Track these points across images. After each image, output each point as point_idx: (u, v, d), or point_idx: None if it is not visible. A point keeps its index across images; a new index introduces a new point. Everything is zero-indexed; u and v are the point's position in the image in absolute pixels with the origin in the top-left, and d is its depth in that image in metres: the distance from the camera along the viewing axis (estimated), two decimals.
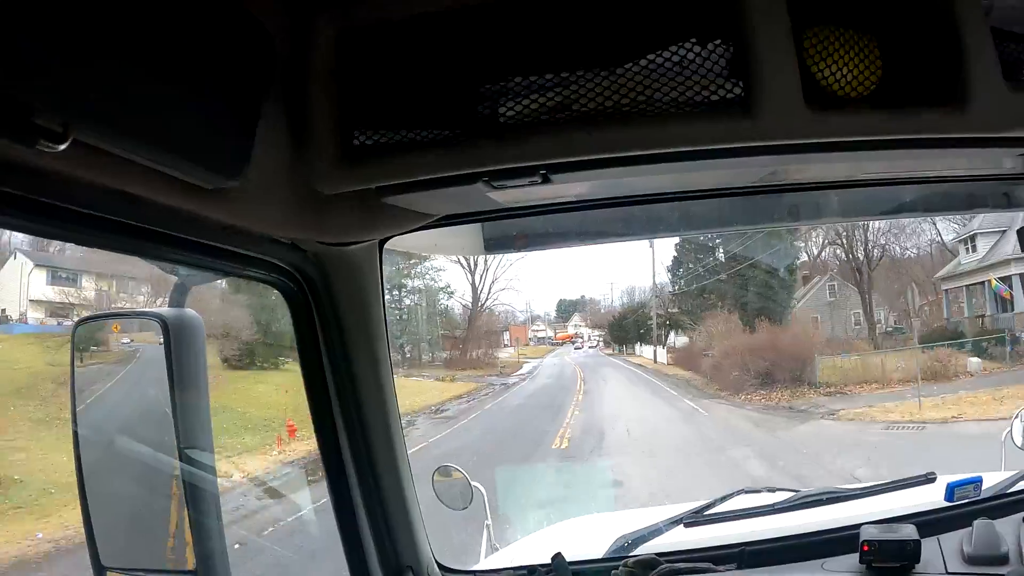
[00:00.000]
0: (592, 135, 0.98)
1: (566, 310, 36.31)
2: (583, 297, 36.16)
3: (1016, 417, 2.71)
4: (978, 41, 0.97)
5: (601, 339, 34.16)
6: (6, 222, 0.85)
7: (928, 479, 1.89)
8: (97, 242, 1.00)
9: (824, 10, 1.00)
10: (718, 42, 0.98)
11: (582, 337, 35.27)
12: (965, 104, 0.97)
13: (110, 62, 0.73)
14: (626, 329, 29.24)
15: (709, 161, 1.05)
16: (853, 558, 1.59)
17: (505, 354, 28.67)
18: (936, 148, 1.10)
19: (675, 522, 1.73)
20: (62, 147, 0.69)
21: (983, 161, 1.44)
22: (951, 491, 1.80)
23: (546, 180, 1.06)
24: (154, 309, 1.48)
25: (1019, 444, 2.62)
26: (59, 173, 0.77)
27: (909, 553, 1.56)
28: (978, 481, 1.83)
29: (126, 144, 0.78)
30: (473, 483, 2.01)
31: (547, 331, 36.16)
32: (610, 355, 29.01)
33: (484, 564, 2.09)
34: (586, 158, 1.01)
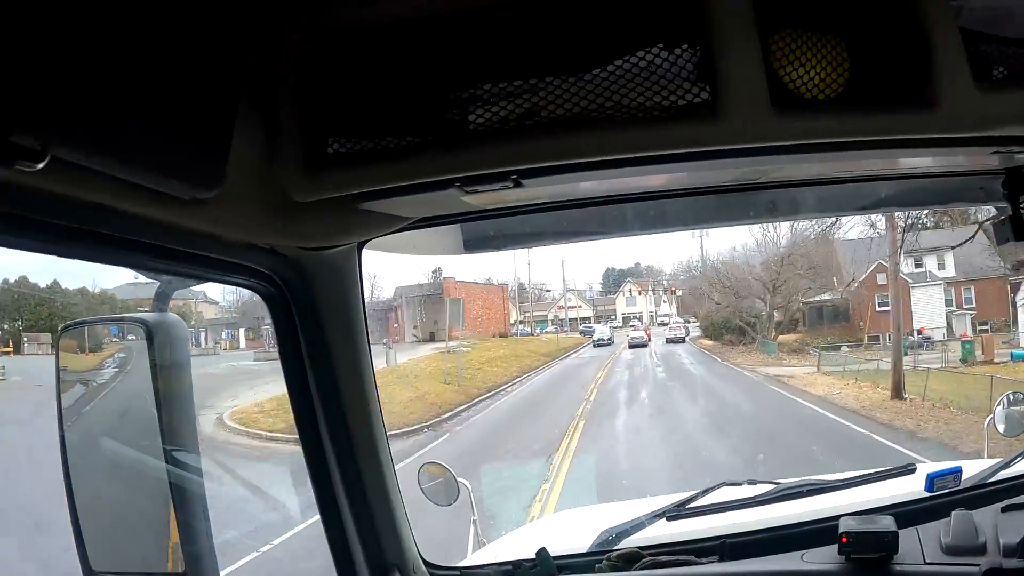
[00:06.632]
0: (561, 141, 0.99)
1: (615, 282, 25.91)
2: (637, 265, 25.75)
3: (998, 404, 2.74)
4: (948, 42, 0.97)
5: (684, 320, 19.66)
6: None
7: (909, 470, 1.92)
8: (79, 254, 1.01)
9: (791, 13, 1.00)
10: (685, 47, 0.99)
11: (638, 318, 22.98)
12: (935, 105, 0.98)
13: (84, 80, 0.74)
14: None
15: (678, 164, 1.07)
16: (832, 549, 1.61)
17: None
18: (905, 148, 1.11)
19: (658, 516, 1.76)
20: (40, 166, 0.70)
21: (958, 158, 1.46)
22: (931, 481, 1.82)
23: (518, 184, 1.08)
24: (137, 314, 1.50)
25: (1001, 431, 2.65)
26: (39, 189, 0.79)
27: (887, 544, 1.59)
28: (958, 471, 1.85)
29: (104, 160, 0.79)
30: (459, 479, 2.03)
31: (584, 309, 24.58)
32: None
33: (470, 560, 2.12)
34: (555, 163, 1.02)
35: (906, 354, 17.30)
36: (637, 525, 1.76)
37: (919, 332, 20.43)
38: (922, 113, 0.99)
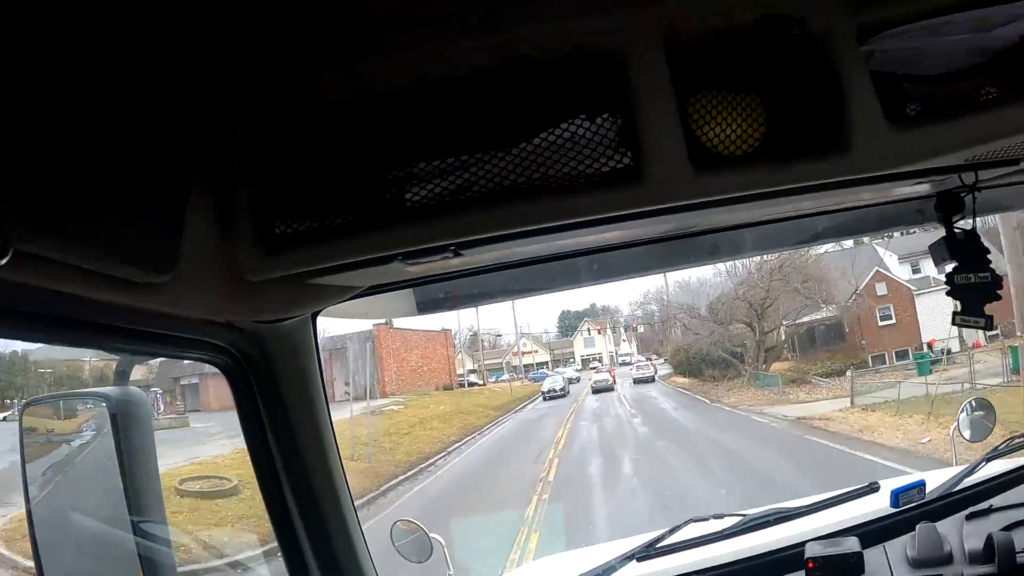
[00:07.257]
0: (494, 213, 1.04)
1: (571, 324, 25.17)
2: (593, 306, 24.85)
3: (962, 411, 2.79)
4: (859, 87, 1.03)
5: (647, 357, 17.45)
6: None
7: (873, 488, 1.95)
8: (40, 339, 1.03)
9: (708, 75, 1.06)
10: (606, 116, 1.04)
11: (599, 359, 21.14)
12: (850, 148, 1.04)
13: (42, 178, 0.77)
14: None
15: (609, 226, 1.12)
16: None
17: None
18: (828, 190, 1.16)
19: (628, 558, 1.77)
20: (3, 261, 0.72)
21: (888, 190, 1.52)
22: (895, 497, 1.85)
23: (457, 255, 1.12)
24: (99, 388, 1.50)
25: (967, 437, 2.69)
26: (1, 280, 0.80)
27: (852, 565, 1.62)
28: (921, 484, 1.88)
29: (62, 251, 0.82)
30: (432, 535, 2.02)
31: (541, 354, 22.85)
32: None
33: None
34: (491, 234, 1.07)
35: (930, 372, 15.40)
36: (608, 569, 1.76)
37: (929, 345, 18.44)
38: (839, 157, 1.04)
